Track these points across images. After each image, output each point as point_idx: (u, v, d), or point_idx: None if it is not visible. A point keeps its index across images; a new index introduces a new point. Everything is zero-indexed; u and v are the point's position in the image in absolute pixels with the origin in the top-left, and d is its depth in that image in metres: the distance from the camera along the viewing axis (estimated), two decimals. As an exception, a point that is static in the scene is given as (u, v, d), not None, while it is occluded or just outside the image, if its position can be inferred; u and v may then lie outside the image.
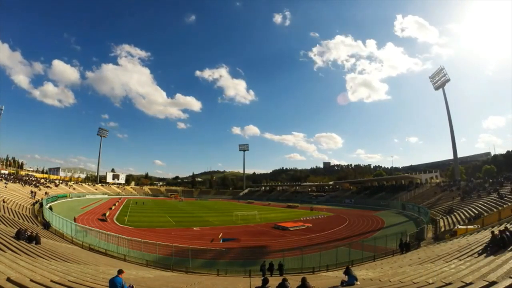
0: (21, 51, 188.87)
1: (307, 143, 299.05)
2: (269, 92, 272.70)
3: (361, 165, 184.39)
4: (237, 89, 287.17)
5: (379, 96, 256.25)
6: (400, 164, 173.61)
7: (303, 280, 7.46)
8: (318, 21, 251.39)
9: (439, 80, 65.44)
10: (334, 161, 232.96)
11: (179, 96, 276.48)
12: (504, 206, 23.64)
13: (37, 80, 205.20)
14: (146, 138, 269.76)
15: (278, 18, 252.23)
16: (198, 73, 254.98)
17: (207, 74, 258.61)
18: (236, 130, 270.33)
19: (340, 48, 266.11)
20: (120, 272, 6.77)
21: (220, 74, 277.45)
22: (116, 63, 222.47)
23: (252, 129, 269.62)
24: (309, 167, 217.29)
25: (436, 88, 66.91)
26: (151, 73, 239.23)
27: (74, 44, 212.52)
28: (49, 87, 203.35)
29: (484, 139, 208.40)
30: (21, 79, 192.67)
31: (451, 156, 68.02)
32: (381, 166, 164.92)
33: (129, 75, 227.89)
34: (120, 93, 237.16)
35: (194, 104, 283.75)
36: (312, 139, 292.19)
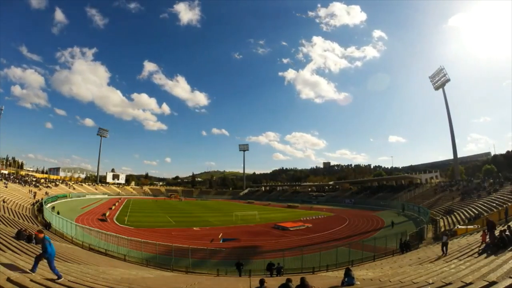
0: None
1: (282, 144, 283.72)
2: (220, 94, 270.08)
3: (361, 165, 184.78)
4: (182, 87, 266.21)
5: (332, 94, 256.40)
6: (391, 165, 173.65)
7: (302, 280, 7.40)
8: (228, 17, 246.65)
9: (439, 80, 65.30)
10: (320, 160, 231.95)
11: (134, 96, 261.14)
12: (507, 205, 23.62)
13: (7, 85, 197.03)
14: (124, 139, 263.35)
15: (184, 15, 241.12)
16: (143, 74, 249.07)
17: (145, 75, 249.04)
18: (204, 133, 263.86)
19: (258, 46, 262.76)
20: (40, 232, 7.64)
21: (153, 69, 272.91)
22: (67, 67, 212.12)
23: (219, 132, 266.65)
24: (306, 167, 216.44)
25: (436, 88, 66.81)
26: (104, 73, 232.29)
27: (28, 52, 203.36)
28: (21, 90, 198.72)
29: (475, 138, 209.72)
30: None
31: (451, 156, 68.21)
32: (381, 166, 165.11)
33: (80, 77, 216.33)
34: (86, 95, 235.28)
35: (152, 104, 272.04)
36: (285, 139, 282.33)
